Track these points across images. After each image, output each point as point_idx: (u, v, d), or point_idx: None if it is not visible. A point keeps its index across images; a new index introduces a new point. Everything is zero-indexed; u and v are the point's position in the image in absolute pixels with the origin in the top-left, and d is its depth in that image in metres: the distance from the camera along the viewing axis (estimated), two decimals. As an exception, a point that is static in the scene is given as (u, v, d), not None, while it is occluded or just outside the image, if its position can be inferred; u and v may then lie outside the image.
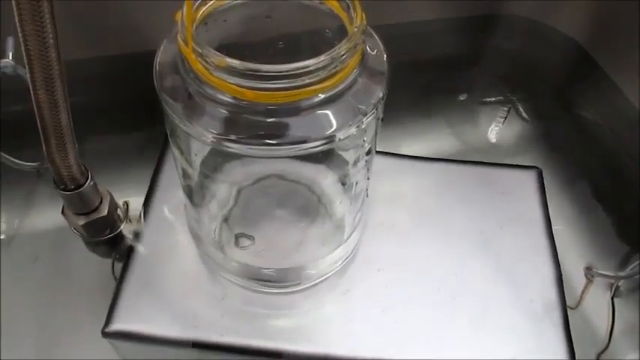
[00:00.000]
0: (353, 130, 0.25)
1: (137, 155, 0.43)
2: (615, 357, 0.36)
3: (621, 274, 0.36)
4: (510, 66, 0.54)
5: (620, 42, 0.47)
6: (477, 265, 0.36)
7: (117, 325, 0.32)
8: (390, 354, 0.32)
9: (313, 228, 0.34)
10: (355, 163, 0.30)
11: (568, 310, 0.35)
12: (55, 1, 0.23)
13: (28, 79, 0.25)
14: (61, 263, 0.39)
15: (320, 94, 0.24)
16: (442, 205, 0.39)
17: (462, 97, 0.52)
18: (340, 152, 0.29)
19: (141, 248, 0.35)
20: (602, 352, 0.36)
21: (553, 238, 0.38)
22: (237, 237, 0.34)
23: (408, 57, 0.51)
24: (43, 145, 0.28)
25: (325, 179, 0.33)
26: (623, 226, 0.42)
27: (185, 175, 0.31)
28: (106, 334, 0.32)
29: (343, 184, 0.32)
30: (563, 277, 0.36)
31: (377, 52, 0.27)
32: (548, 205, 0.39)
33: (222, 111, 0.24)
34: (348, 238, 0.34)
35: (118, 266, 0.35)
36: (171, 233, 0.36)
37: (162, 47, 0.27)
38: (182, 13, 0.24)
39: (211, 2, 0.26)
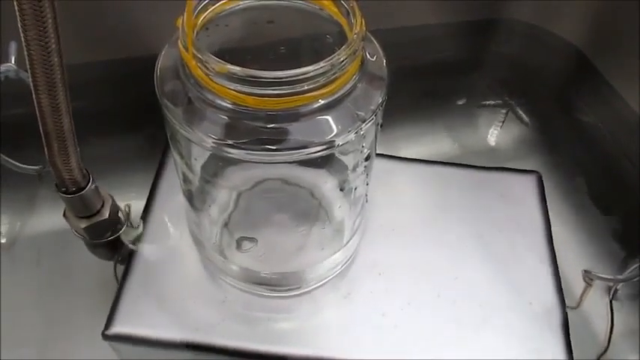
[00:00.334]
0: (352, 136, 0.25)
1: (139, 158, 0.43)
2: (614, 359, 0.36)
3: (620, 277, 0.36)
4: (510, 70, 0.54)
5: (620, 47, 0.47)
6: (477, 269, 0.36)
7: (117, 328, 0.32)
8: (391, 357, 0.33)
9: (313, 232, 0.34)
10: (354, 168, 0.30)
11: (567, 312, 0.35)
12: (57, 4, 0.23)
13: (31, 84, 0.25)
14: (62, 266, 0.40)
15: (320, 100, 0.24)
16: (442, 208, 0.39)
17: (462, 102, 0.52)
18: (340, 157, 0.29)
19: (142, 251, 0.36)
20: (601, 355, 0.36)
21: (552, 241, 0.38)
22: (239, 241, 0.34)
23: (408, 61, 0.51)
24: (45, 149, 0.28)
25: (325, 184, 0.34)
26: (622, 230, 0.42)
27: (185, 179, 0.31)
28: (106, 337, 0.32)
29: (342, 189, 0.32)
30: (562, 280, 0.36)
31: (376, 57, 0.27)
32: (548, 209, 0.39)
33: (223, 117, 0.24)
34: (347, 242, 0.34)
35: (121, 269, 0.36)
36: (172, 236, 0.37)
37: (163, 52, 0.27)
38: (183, 19, 0.24)
39: (213, 7, 0.27)
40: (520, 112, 0.51)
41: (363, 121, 0.25)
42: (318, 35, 0.29)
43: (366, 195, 0.34)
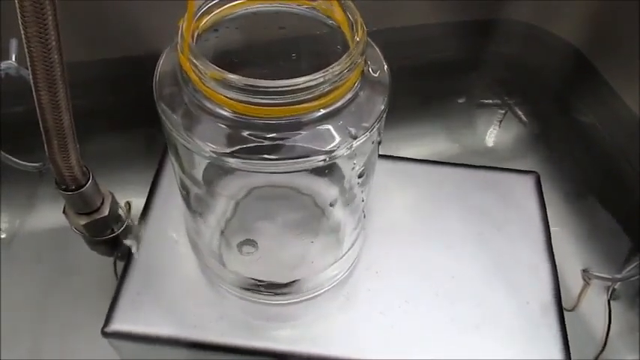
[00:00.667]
0: (353, 145, 0.25)
1: (139, 156, 0.43)
2: (612, 359, 0.36)
3: (618, 276, 0.36)
4: (509, 70, 0.54)
5: (619, 47, 0.47)
6: (475, 268, 0.37)
7: (116, 325, 0.32)
8: (389, 356, 0.33)
9: (311, 241, 0.34)
10: (352, 178, 0.30)
11: (565, 312, 0.35)
12: (58, 2, 0.23)
13: (31, 81, 0.25)
14: (62, 262, 0.40)
15: (321, 110, 0.23)
16: (440, 208, 0.39)
17: (461, 101, 0.52)
18: (339, 165, 0.29)
19: (141, 248, 0.36)
20: (599, 354, 0.36)
21: (550, 241, 0.38)
22: (238, 246, 0.34)
23: (407, 61, 0.51)
24: (45, 146, 0.28)
25: (325, 192, 0.33)
26: (620, 230, 0.42)
27: (183, 185, 0.31)
28: (105, 334, 0.32)
29: (343, 197, 0.32)
30: (560, 279, 0.36)
31: (379, 66, 0.27)
32: (546, 208, 0.39)
33: (221, 125, 0.24)
34: (346, 252, 0.34)
35: (120, 266, 0.36)
36: (172, 234, 0.37)
37: (163, 56, 0.27)
38: (183, 22, 0.24)
39: (218, 10, 0.26)
40: (519, 112, 0.51)
41: (355, 138, 0.25)
42: (325, 43, 0.28)
43: (364, 210, 0.34)
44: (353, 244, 0.35)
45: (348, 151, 0.25)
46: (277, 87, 0.22)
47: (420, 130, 0.51)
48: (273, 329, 0.33)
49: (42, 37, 0.23)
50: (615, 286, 0.38)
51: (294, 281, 0.34)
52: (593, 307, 0.38)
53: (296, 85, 0.22)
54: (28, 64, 0.24)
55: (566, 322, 0.34)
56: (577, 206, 0.44)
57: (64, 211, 0.33)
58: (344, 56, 0.23)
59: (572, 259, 0.40)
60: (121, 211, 0.35)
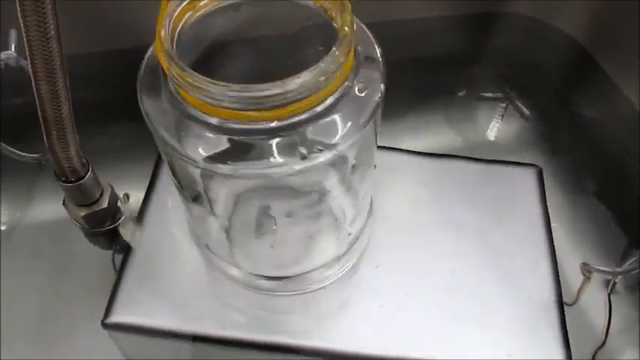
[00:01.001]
0: (352, 139, 0.24)
1: (139, 148, 0.43)
2: (612, 354, 0.36)
3: (618, 270, 0.36)
4: (510, 64, 0.54)
5: (620, 41, 0.47)
6: (475, 262, 0.36)
7: (116, 317, 0.32)
8: (387, 350, 0.33)
9: (316, 235, 0.33)
10: (346, 171, 0.29)
11: (565, 307, 0.35)
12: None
13: (30, 71, 0.25)
14: (61, 254, 0.40)
15: (315, 108, 0.23)
16: (441, 201, 0.39)
17: (462, 95, 0.52)
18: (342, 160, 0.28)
19: (141, 240, 0.36)
20: (598, 349, 0.36)
21: (551, 235, 0.38)
22: (241, 240, 0.34)
23: (408, 54, 0.51)
24: (44, 137, 0.28)
25: (328, 186, 0.33)
26: (621, 224, 0.42)
27: (179, 184, 0.30)
28: (105, 326, 0.32)
29: (339, 190, 0.31)
30: (560, 274, 0.36)
31: (373, 57, 0.26)
32: (547, 202, 0.39)
33: (207, 133, 0.23)
34: (351, 246, 0.34)
35: (119, 258, 0.36)
36: (171, 226, 0.37)
37: (148, 53, 0.26)
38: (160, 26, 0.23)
39: (202, 2, 0.25)
40: (520, 105, 0.51)
41: (364, 125, 0.24)
42: (318, 35, 0.27)
43: (371, 203, 0.34)
44: (358, 236, 0.35)
45: (339, 151, 0.24)
46: (261, 94, 0.21)
47: (421, 123, 0.50)
48: (272, 322, 0.33)
49: (41, 25, 0.23)
50: (616, 280, 0.38)
51: (298, 276, 0.34)
52: (593, 302, 0.38)
53: (280, 90, 0.21)
54: (27, 53, 0.24)
55: (566, 317, 0.34)
56: (578, 200, 0.44)
57: (63, 203, 0.33)
58: (327, 56, 0.22)
59: (573, 253, 0.40)
60: (120, 203, 0.35)
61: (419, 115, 0.51)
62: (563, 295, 0.35)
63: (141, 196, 0.38)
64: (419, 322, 0.34)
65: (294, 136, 0.23)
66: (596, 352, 0.36)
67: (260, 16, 0.27)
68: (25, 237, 0.41)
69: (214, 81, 0.21)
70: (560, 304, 0.35)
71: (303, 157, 0.23)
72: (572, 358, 0.33)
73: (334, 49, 0.22)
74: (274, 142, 0.23)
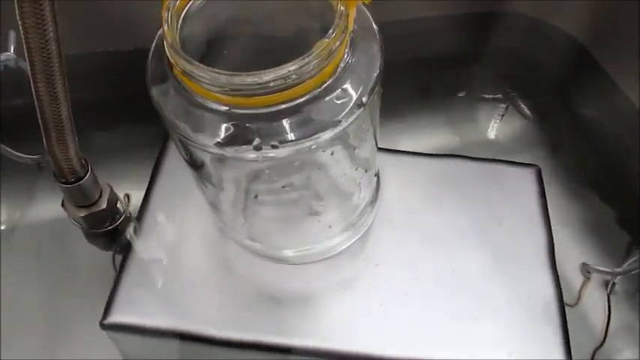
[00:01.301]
0: (354, 117, 0.25)
1: (139, 149, 0.43)
2: (611, 354, 0.36)
3: (618, 270, 0.36)
4: (511, 64, 0.54)
5: (621, 40, 0.47)
6: (475, 262, 0.36)
7: (115, 318, 0.32)
8: (387, 350, 0.33)
9: (324, 211, 0.33)
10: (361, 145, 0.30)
11: (565, 307, 0.35)
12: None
13: (29, 72, 0.25)
14: (61, 255, 0.40)
15: (313, 91, 0.23)
16: (441, 200, 0.39)
17: (462, 95, 0.52)
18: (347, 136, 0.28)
19: (141, 240, 0.36)
20: (598, 348, 0.36)
21: (551, 235, 0.38)
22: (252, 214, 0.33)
23: (408, 54, 0.51)
24: (44, 138, 0.28)
25: (334, 164, 0.33)
26: (621, 224, 0.42)
27: (190, 165, 0.31)
28: (104, 326, 0.32)
29: (353, 165, 0.31)
30: (560, 274, 0.36)
31: (370, 39, 0.26)
32: (547, 202, 0.39)
33: (214, 117, 0.24)
34: (362, 216, 0.35)
35: (119, 258, 0.36)
36: (171, 227, 0.37)
37: (155, 41, 0.26)
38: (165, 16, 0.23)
39: None
40: (521, 105, 0.51)
41: (363, 103, 0.25)
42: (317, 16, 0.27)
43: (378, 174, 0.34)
44: (370, 202, 0.35)
45: (342, 128, 0.25)
46: (262, 80, 0.22)
47: (421, 123, 0.50)
48: (272, 323, 0.33)
49: (39, 27, 0.23)
50: (615, 280, 0.38)
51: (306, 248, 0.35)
52: (593, 302, 0.38)
53: (280, 75, 0.22)
54: (26, 55, 0.24)
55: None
56: (578, 200, 0.44)
57: (62, 204, 0.33)
58: (321, 41, 0.22)
59: (573, 253, 0.40)
60: (119, 204, 0.35)
61: (419, 115, 0.51)
62: (563, 295, 0.35)
63: (141, 196, 0.38)
64: (419, 321, 0.34)
65: (297, 118, 0.24)
66: (595, 352, 0.36)
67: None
68: (24, 237, 0.41)
69: (219, 70, 0.22)
70: (561, 304, 0.35)
71: (307, 137, 0.24)
72: (572, 358, 0.33)
73: (330, 31, 0.23)
74: (279, 124, 0.24)
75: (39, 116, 0.27)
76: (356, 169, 0.31)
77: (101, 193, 0.33)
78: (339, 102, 0.24)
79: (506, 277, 0.36)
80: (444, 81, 0.53)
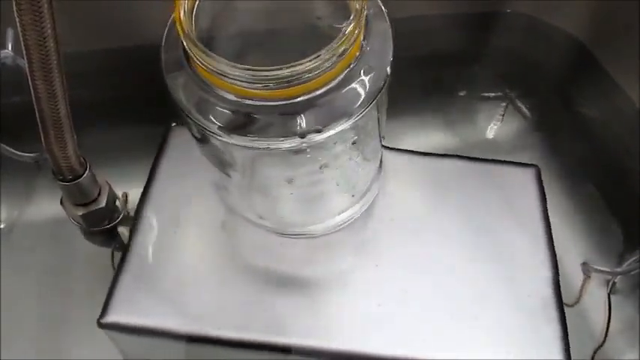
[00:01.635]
0: (364, 112, 0.25)
1: (137, 147, 0.43)
2: (611, 354, 0.36)
3: (618, 269, 0.36)
4: (510, 63, 0.54)
5: (621, 39, 0.47)
6: (474, 261, 0.36)
7: (113, 317, 0.32)
8: (385, 349, 0.32)
9: (328, 194, 0.34)
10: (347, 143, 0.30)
11: (565, 306, 0.35)
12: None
13: (27, 70, 0.25)
14: (60, 253, 0.40)
15: (325, 86, 0.24)
16: (439, 200, 0.39)
17: (462, 94, 0.52)
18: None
19: (139, 239, 0.35)
20: (597, 349, 0.36)
21: (551, 235, 0.37)
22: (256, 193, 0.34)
23: (408, 53, 0.51)
24: (42, 136, 0.28)
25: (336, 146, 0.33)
26: (621, 223, 0.42)
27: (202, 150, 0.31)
28: (102, 325, 0.32)
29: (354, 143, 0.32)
30: (560, 273, 0.36)
31: (381, 45, 0.26)
32: (547, 202, 0.39)
33: (226, 106, 0.24)
34: (362, 196, 0.35)
35: (118, 256, 0.36)
36: (170, 225, 0.37)
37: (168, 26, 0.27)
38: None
39: None
40: (520, 105, 0.51)
41: (375, 95, 0.25)
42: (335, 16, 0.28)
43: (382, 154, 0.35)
44: (369, 188, 0.36)
45: (348, 125, 0.25)
46: (275, 74, 0.22)
47: (421, 122, 0.50)
48: (271, 323, 0.33)
49: (37, 24, 0.23)
50: (615, 280, 0.38)
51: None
52: (593, 301, 0.38)
53: (294, 70, 0.22)
54: (24, 52, 0.24)
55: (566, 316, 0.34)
56: (578, 199, 0.44)
57: (61, 202, 0.33)
58: (335, 40, 0.23)
59: (572, 252, 0.40)
60: (118, 202, 0.35)
61: (419, 114, 0.51)
62: (563, 294, 0.35)
63: (139, 194, 0.38)
64: (417, 321, 0.34)
65: (310, 110, 0.24)
66: (595, 352, 0.36)
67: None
68: (23, 235, 0.41)
69: (240, 65, 0.22)
70: (560, 304, 0.35)
71: (319, 131, 0.25)
72: (572, 357, 0.33)
73: (345, 28, 0.23)
74: (292, 116, 0.24)
75: (37, 114, 0.27)
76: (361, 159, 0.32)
77: (100, 191, 0.33)
78: (350, 96, 0.25)
79: (506, 277, 0.36)
80: (444, 80, 0.53)
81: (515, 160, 0.41)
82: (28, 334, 0.37)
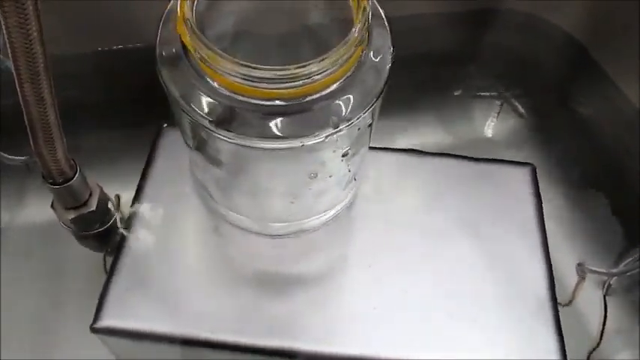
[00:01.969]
0: (357, 119, 0.26)
1: (129, 149, 0.43)
2: (607, 355, 0.36)
3: (613, 270, 0.36)
4: (507, 61, 0.54)
5: (618, 38, 0.47)
6: (470, 262, 0.36)
7: (106, 321, 0.32)
8: (379, 352, 0.32)
9: (291, 201, 0.34)
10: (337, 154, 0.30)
11: (560, 307, 0.35)
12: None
13: (14, 73, 0.24)
14: (52, 257, 0.39)
15: (321, 91, 0.24)
16: (434, 200, 0.39)
17: (457, 93, 0.52)
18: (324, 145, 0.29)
19: (131, 242, 0.35)
20: (593, 350, 0.36)
21: (546, 235, 0.37)
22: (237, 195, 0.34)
23: (403, 51, 0.50)
24: (31, 139, 0.28)
25: (310, 163, 0.32)
26: (618, 223, 0.41)
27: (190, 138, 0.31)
28: (94, 330, 0.32)
29: (325, 169, 0.32)
30: (555, 274, 0.36)
31: (381, 52, 0.27)
32: (542, 201, 0.39)
33: (218, 100, 0.24)
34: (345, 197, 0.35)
35: (111, 260, 0.35)
36: (161, 227, 0.36)
37: (166, 10, 0.27)
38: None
39: None
40: (516, 103, 0.51)
41: (361, 112, 0.25)
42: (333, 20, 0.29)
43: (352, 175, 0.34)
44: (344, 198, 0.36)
45: (334, 135, 0.25)
46: (269, 75, 0.23)
47: (417, 121, 0.50)
48: (265, 326, 0.33)
49: (23, 27, 0.22)
50: (611, 281, 0.37)
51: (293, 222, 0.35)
52: (589, 302, 0.38)
53: (288, 72, 0.23)
54: (10, 56, 0.24)
55: (561, 317, 0.34)
56: (573, 199, 0.44)
57: (52, 206, 0.33)
58: (338, 47, 0.23)
59: (568, 252, 0.40)
60: (110, 205, 0.34)
61: (415, 113, 0.50)
62: (558, 294, 0.35)
63: (132, 197, 0.37)
64: (413, 323, 0.33)
65: (309, 112, 0.25)
66: (591, 353, 0.36)
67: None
68: (15, 239, 0.40)
69: (247, 62, 0.23)
70: (555, 305, 0.35)
71: (319, 132, 0.25)
72: (567, 358, 0.33)
73: (356, 29, 0.24)
74: (292, 117, 0.25)
75: (25, 118, 0.27)
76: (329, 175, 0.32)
77: (91, 194, 0.33)
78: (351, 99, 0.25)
79: (501, 278, 0.36)
80: (440, 79, 0.53)
81: (511, 160, 0.41)
82: (22, 338, 0.37)
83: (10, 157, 0.34)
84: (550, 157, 0.46)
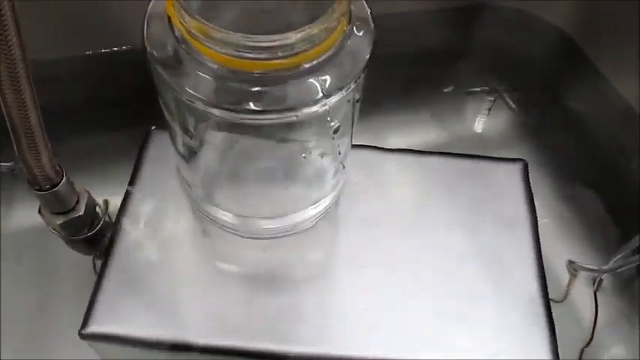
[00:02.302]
0: (339, 96, 0.26)
1: (118, 153, 0.42)
2: (599, 351, 0.36)
3: (604, 267, 0.36)
4: (497, 57, 0.54)
5: (608, 33, 0.47)
6: (461, 260, 0.36)
7: (94, 327, 0.32)
8: (372, 352, 0.32)
9: (286, 187, 0.35)
10: (329, 132, 0.30)
11: (552, 304, 0.34)
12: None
13: (-7, 79, 0.24)
14: (42, 262, 0.39)
15: (304, 64, 0.24)
16: (426, 198, 0.39)
17: (448, 89, 0.51)
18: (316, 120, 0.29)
19: (120, 247, 0.35)
20: (586, 346, 0.36)
21: (537, 232, 0.37)
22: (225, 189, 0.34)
23: (394, 48, 0.50)
24: (15, 146, 0.27)
25: (302, 143, 0.32)
26: (609, 220, 0.41)
27: (172, 132, 0.31)
28: (83, 336, 0.32)
29: (318, 149, 0.32)
30: (547, 271, 0.36)
31: (363, 25, 0.27)
32: (534, 198, 0.39)
33: (207, 75, 0.24)
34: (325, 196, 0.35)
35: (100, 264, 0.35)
36: (151, 230, 0.36)
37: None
38: None
39: None
40: (508, 99, 0.51)
41: (350, 83, 0.26)
42: None
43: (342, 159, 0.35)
44: (333, 189, 0.36)
45: (324, 108, 0.25)
46: (258, 44, 0.23)
47: (408, 118, 0.50)
48: (255, 329, 0.33)
49: (1, 33, 0.22)
50: (602, 278, 0.37)
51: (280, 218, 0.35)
52: (580, 299, 0.37)
53: (280, 40, 0.23)
54: (-12, 61, 0.23)
55: (553, 314, 0.34)
56: (565, 195, 0.44)
57: (39, 211, 0.33)
58: (322, 17, 0.23)
59: (560, 249, 0.40)
60: (98, 209, 0.34)
61: (406, 110, 0.50)
62: (550, 291, 0.35)
63: (120, 201, 0.37)
64: (404, 323, 0.33)
65: (302, 83, 0.25)
66: (583, 350, 0.36)
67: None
68: (4, 245, 0.40)
69: (233, 32, 0.23)
70: (547, 302, 0.34)
71: (312, 102, 0.25)
72: (559, 355, 0.33)
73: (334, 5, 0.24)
74: (280, 89, 0.25)
75: (8, 124, 0.26)
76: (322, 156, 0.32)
77: (78, 199, 0.32)
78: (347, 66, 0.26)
79: (493, 275, 0.35)
80: (430, 75, 0.52)
81: (502, 156, 0.41)
82: (11, 344, 0.36)
83: (-5, 163, 0.34)
84: (542, 153, 0.46)
